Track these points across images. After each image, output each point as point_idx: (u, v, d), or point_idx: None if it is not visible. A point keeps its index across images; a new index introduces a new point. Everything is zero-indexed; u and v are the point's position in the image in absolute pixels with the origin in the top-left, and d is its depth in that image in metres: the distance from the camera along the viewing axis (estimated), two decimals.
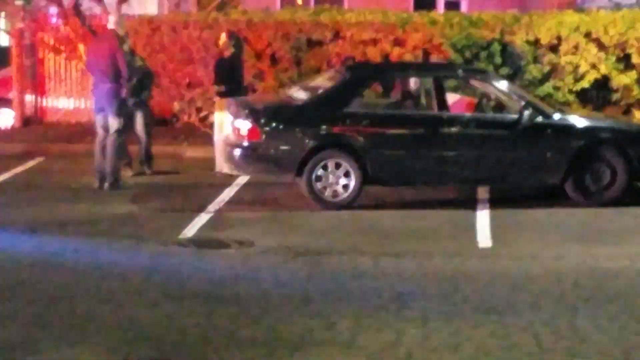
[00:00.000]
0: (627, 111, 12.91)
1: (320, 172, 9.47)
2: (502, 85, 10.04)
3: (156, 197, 10.18)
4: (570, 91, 12.80)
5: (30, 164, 12.08)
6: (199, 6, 14.92)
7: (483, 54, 12.79)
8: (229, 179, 10.68)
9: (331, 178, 9.49)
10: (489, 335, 5.95)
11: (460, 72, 10.69)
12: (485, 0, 17.82)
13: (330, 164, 9.48)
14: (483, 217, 9.20)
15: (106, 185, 10.35)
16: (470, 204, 9.74)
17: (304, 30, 13.10)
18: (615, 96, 12.86)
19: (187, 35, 13.34)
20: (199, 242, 8.25)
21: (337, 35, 13.07)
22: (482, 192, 10.15)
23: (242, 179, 10.70)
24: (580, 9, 14.02)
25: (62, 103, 14.82)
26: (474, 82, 10.30)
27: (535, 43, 12.85)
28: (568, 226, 8.98)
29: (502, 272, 7.42)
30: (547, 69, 12.81)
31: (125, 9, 13.66)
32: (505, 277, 7.27)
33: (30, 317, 6.20)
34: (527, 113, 9.57)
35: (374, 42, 12.96)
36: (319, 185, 9.48)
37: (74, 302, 6.50)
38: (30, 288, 6.85)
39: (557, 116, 9.83)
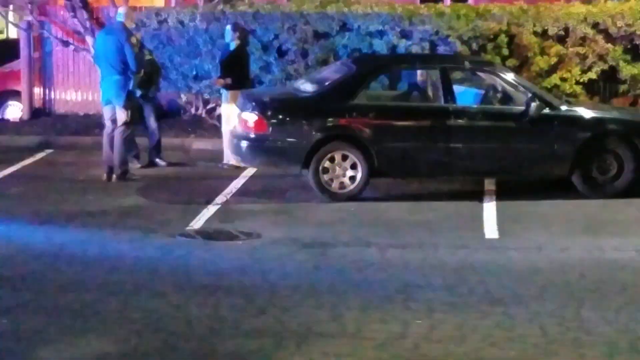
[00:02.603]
0: (634, 102, 12.88)
1: (327, 164, 9.49)
2: (509, 76, 10.03)
3: (164, 189, 10.22)
4: (578, 82, 12.77)
5: (39, 156, 12.14)
6: None
7: (490, 46, 12.77)
8: (236, 171, 10.72)
9: (338, 170, 9.51)
10: (494, 327, 5.98)
11: (467, 64, 10.66)
12: None
13: (337, 156, 9.50)
14: (489, 209, 9.22)
15: (114, 177, 10.39)
16: (477, 195, 9.75)
17: (311, 22, 13.11)
18: (622, 87, 12.83)
19: (194, 27, 13.36)
20: (207, 234, 8.29)
21: (343, 27, 13.07)
22: (489, 184, 10.15)
23: (250, 171, 10.73)
24: (587, 0, 13.97)
25: (70, 95, 14.88)
26: (481, 74, 10.30)
27: (543, 34, 12.82)
28: (574, 218, 8.99)
29: (508, 263, 7.44)
30: (554, 60, 12.78)
31: (132, 1, 13.68)
32: (511, 268, 7.29)
33: (39, 308, 6.25)
34: (534, 105, 9.57)
35: (381, 34, 12.95)
36: (325, 177, 9.50)
37: (82, 293, 6.55)
38: (38, 279, 6.90)
39: (564, 108, 9.83)
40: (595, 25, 12.72)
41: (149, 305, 6.33)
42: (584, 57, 12.72)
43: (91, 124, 13.36)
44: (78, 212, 9.01)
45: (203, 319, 6.08)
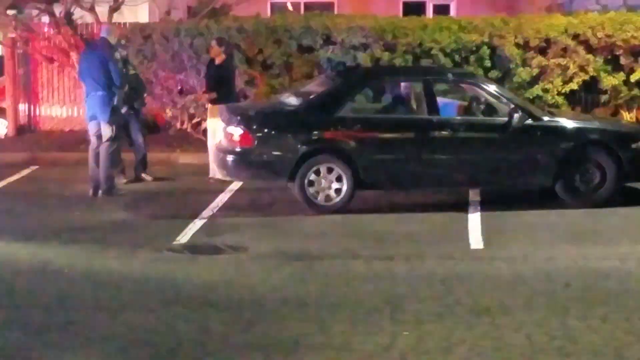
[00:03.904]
0: (615, 112, 13.01)
1: (312, 177, 9.53)
2: (492, 88, 10.12)
3: (150, 203, 10.22)
4: (559, 93, 12.90)
5: (25, 172, 12.12)
6: (190, 14, 14.95)
7: (472, 58, 12.88)
8: (222, 185, 10.74)
9: (323, 183, 9.55)
10: (482, 337, 6.02)
11: (450, 76, 10.77)
12: (474, 4, 17.95)
13: (323, 169, 9.55)
14: (475, 220, 9.27)
15: (100, 192, 10.40)
16: (462, 206, 9.80)
17: (295, 36, 13.17)
18: (603, 97, 12.96)
19: (179, 42, 13.40)
20: (193, 248, 8.30)
21: (327, 40, 13.15)
22: (474, 195, 10.22)
23: (236, 185, 10.76)
24: (568, 12, 14.11)
25: (55, 111, 14.87)
26: (464, 86, 10.38)
27: (524, 46, 12.94)
28: (559, 227, 9.05)
29: (494, 273, 7.48)
30: (536, 71, 12.90)
31: (116, 17, 13.72)
32: (497, 278, 7.33)
33: (25, 325, 6.23)
34: (516, 115, 9.65)
35: (364, 47, 13.03)
36: (311, 190, 9.54)
37: (69, 310, 6.54)
38: (25, 296, 6.89)
39: (546, 118, 9.91)
40: (575, 37, 12.85)
41: (136, 320, 6.33)
42: (565, 68, 12.85)
43: (76, 140, 13.36)
44: (64, 228, 9.00)
45: (191, 333, 6.08)
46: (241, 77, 12.72)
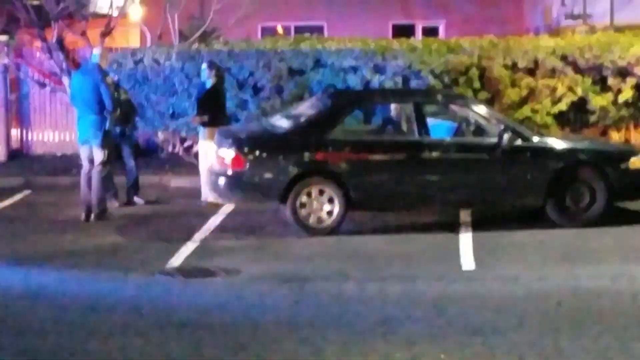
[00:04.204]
0: (604, 132, 13.08)
1: (304, 199, 9.56)
2: (481, 109, 10.19)
3: (142, 227, 10.23)
4: (548, 114, 12.96)
5: (17, 197, 12.11)
6: (181, 38, 15.03)
7: (462, 79, 12.94)
8: (214, 208, 10.75)
9: (315, 204, 9.58)
10: (474, 357, 6.03)
11: (439, 97, 10.84)
12: (463, 26, 18.08)
13: (314, 191, 9.58)
14: (466, 240, 9.30)
15: (92, 216, 10.40)
16: (453, 227, 9.84)
17: (285, 59, 13.25)
18: (592, 118, 13.03)
19: (170, 66, 13.46)
20: (186, 272, 8.30)
21: (318, 63, 13.22)
22: (465, 215, 10.25)
23: (228, 208, 10.77)
24: (556, 33, 14.22)
25: (47, 136, 14.89)
26: (454, 107, 10.45)
27: (513, 67, 13.02)
28: (550, 247, 9.09)
29: (486, 294, 7.50)
30: (524, 92, 12.97)
31: (108, 41, 13.77)
32: (489, 299, 7.35)
33: (18, 350, 6.22)
34: (506, 136, 9.71)
35: (354, 69, 13.11)
36: (303, 212, 9.57)
37: (61, 334, 6.53)
38: (17, 321, 6.86)
39: (535, 139, 9.98)
40: (564, 58, 12.95)
41: (129, 344, 6.32)
42: (553, 89, 12.93)
43: (69, 164, 13.37)
44: (57, 253, 8.99)
45: (184, 356, 6.08)
46: (232, 100, 12.77)
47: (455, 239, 9.34)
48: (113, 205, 10.99)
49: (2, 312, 7.10)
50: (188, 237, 9.52)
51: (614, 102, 12.92)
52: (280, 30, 19.42)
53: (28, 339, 6.46)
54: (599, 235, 9.46)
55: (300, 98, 12.86)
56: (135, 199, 11.40)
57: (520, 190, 9.78)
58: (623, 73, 12.89)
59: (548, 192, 9.73)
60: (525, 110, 12.93)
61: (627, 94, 12.88)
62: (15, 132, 14.79)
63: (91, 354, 6.15)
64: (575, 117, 13.05)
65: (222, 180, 9.74)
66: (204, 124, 11.21)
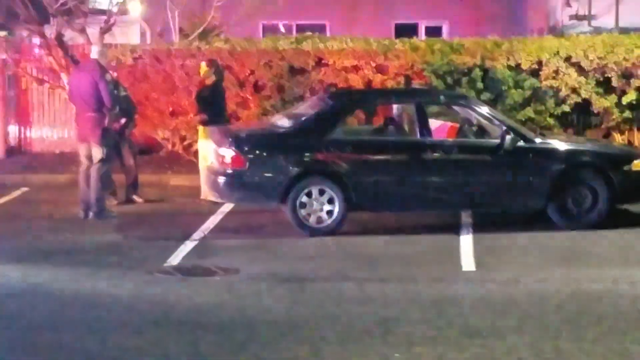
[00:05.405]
0: (607, 134, 13.06)
1: (304, 199, 9.51)
2: (484, 110, 10.14)
3: (141, 225, 10.18)
4: (552, 115, 12.94)
5: (15, 194, 12.07)
6: (181, 35, 14.98)
7: (465, 80, 12.92)
8: (213, 207, 10.71)
9: (315, 205, 9.53)
10: (473, 359, 5.98)
11: (442, 98, 10.79)
12: (466, 27, 18.03)
13: (314, 191, 9.53)
14: (466, 242, 9.26)
15: (91, 214, 10.35)
16: (454, 228, 9.79)
17: (287, 58, 13.20)
18: (595, 120, 13.01)
19: (170, 64, 13.41)
20: (184, 270, 8.26)
21: (319, 62, 13.18)
22: (465, 217, 10.21)
23: (227, 207, 10.73)
24: (560, 34, 14.18)
25: (45, 133, 14.84)
26: (456, 108, 10.39)
27: (516, 68, 13.00)
28: (551, 249, 9.04)
29: (486, 295, 7.46)
30: (528, 93, 12.95)
31: (107, 38, 13.73)
32: (489, 300, 7.31)
33: (16, 347, 6.19)
34: (508, 138, 9.66)
35: (356, 69, 13.06)
36: (303, 212, 9.52)
37: (60, 332, 6.49)
38: (15, 318, 6.83)
39: (538, 140, 9.93)
40: (567, 59, 12.92)
41: (127, 342, 6.29)
42: (557, 90, 12.89)
43: (67, 161, 13.33)
44: (54, 250, 8.95)
45: (182, 355, 6.04)
46: (232, 99, 12.73)
47: (455, 240, 9.30)
48: (111, 203, 10.94)
49: (0, 309, 7.05)
50: (187, 236, 9.48)
51: (618, 104, 12.89)
52: (282, 28, 19.38)
53: (26, 336, 6.42)
54: (601, 238, 9.42)
55: (301, 97, 12.83)
56: (134, 197, 11.35)
57: (522, 192, 9.72)
58: (627, 75, 12.86)
59: (550, 194, 9.68)
60: (528, 112, 12.92)
61: (631, 95, 12.85)
62: (13, 129, 14.75)
63: (89, 352, 6.11)
64: (578, 118, 13.03)
65: (221, 180, 9.70)
66: (204, 123, 11.16)
